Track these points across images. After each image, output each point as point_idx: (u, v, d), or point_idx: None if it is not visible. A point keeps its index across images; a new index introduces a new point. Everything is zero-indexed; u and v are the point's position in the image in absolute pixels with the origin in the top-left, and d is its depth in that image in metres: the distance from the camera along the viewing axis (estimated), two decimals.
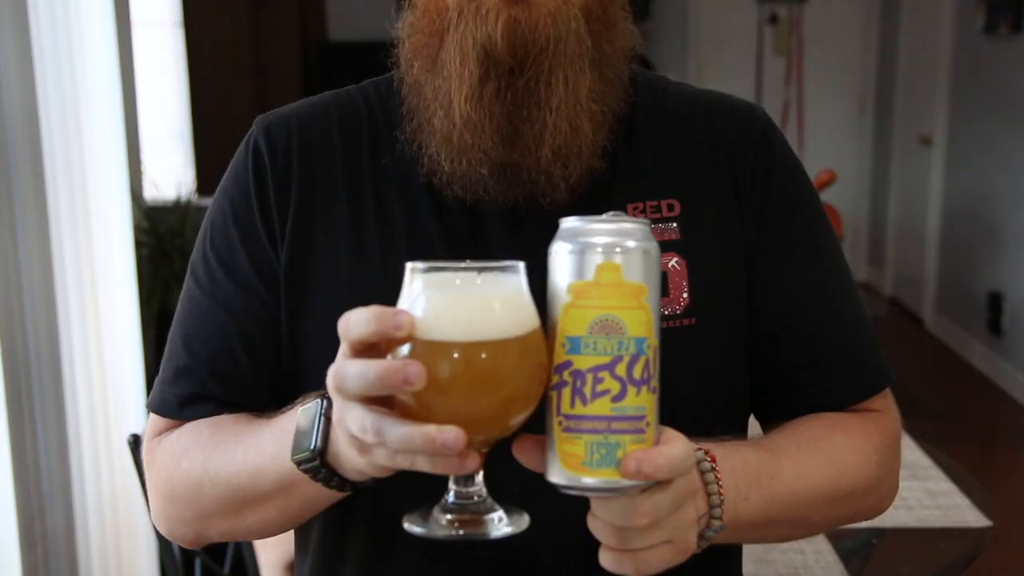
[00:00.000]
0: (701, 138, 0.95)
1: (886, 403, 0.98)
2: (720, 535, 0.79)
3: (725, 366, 0.93)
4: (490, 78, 0.84)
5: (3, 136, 2.10)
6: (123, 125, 2.42)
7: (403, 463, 0.68)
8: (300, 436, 0.78)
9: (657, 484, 0.71)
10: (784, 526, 0.90)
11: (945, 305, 5.59)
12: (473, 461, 0.68)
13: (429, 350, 0.67)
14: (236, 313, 0.93)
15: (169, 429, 0.95)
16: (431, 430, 0.64)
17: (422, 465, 0.67)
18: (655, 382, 0.71)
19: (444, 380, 0.67)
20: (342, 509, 0.87)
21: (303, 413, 0.79)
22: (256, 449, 0.85)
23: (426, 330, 0.67)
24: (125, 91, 2.61)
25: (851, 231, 6.53)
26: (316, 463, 0.77)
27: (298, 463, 0.77)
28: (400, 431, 0.66)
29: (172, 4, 5.24)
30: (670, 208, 0.92)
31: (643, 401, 0.70)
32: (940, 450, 2.04)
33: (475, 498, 0.72)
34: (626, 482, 0.69)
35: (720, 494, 0.78)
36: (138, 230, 3.13)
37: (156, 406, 0.95)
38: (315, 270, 0.91)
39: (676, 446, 0.71)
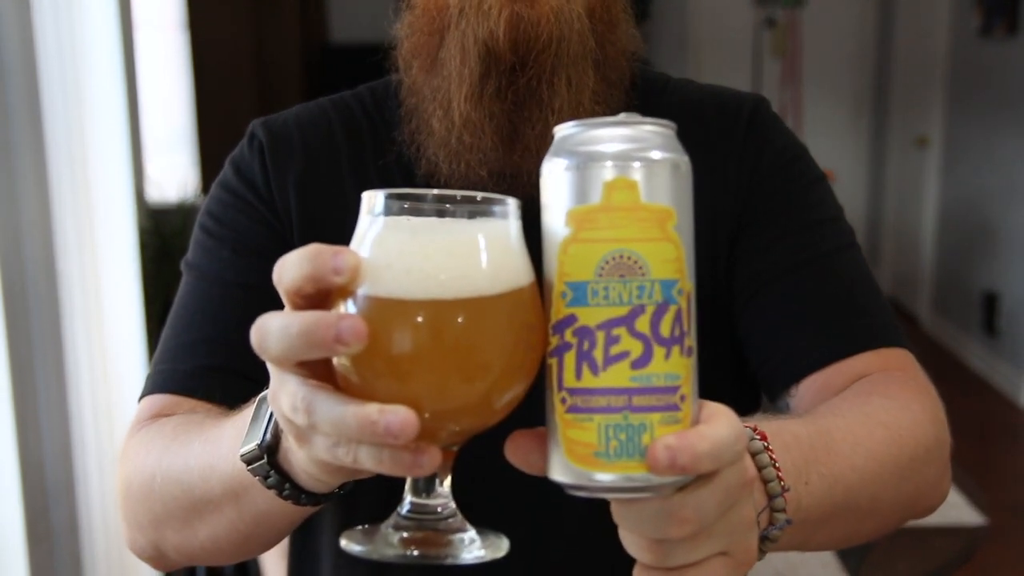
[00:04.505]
0: (696, 137, 0.94)
1: (908, 363, 0.88)
2: (784, 537, 0.63)
3: (719, 364, 0.92)
4: (491, 76, 0.81)
5: (7, 137, 2.12)
6: (127, 126, 2.43)
7: (345, 458, 0.52)
8: (251, 428, 0.65)
9: (699, 478, 0.52)
10: (851, 517, 0.73)
11: (941, 305, 5.61)
12: (431, 458, 0.51)
13: (376, 307, 0.50)
14: (253, 284, 0.86)
15: (156, 417, 0.83)
16: (371, 410, 0.49)
17: (366, 460, 0.51)
18: (690, 340, 0.52)
19: (393, 348, 0.50)
20: (343, 514, 0.81)
21: (261, 400, 0.66)
22: (213, 443, 0.71)
23: (373, 281, 0.50)
24: (128, 93, 2.62)
25: None
26: (263, 462, 0.64)
27: (246, 462, 0.64)
28: (332, 409, 0.50)
29: (176, 6, 5.26)
30: None
31: (675, 367, 0.51)
32: None
33: (438, 510, 0.55)
34: (656, 478, 0.51)
35: (780, 480, 0.61)
36: (141, 231, 3.14)
37: (148, 387, 0.86)
38: None
39: (721, 425, 0.52)
